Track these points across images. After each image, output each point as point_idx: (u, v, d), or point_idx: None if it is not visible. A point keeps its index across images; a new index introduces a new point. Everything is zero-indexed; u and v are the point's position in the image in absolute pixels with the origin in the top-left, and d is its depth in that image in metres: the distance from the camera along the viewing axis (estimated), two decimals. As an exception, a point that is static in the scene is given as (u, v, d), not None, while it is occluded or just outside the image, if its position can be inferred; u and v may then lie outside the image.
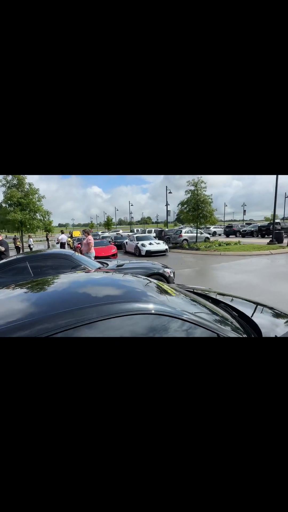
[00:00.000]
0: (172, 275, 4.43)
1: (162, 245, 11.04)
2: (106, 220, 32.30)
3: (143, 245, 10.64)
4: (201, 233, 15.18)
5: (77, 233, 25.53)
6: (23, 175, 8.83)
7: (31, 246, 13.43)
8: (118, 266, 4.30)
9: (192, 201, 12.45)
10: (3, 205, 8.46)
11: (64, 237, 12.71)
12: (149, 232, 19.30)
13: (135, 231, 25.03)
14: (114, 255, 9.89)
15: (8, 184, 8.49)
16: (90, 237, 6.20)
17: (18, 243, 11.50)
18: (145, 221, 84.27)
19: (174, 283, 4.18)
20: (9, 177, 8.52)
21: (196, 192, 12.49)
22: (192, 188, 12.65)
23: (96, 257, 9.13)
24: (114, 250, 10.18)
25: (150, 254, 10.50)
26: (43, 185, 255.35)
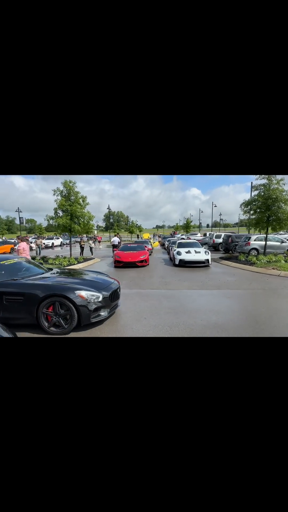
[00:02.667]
0: (92, 304, 3.14)
1: (202, 255, 8.98)
2: (185, 222, 31.01)
3: (178, 253, 9.14)
4: (281, 242, 11.02)
5: (146, 235, 26.86)
6: (73, 185, 10.12)
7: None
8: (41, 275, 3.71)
9: (260, 199, 9.21)
10: (58, 211, 10.02)
11: (116, 239, 13.56)
12: (218, 237, 16.48)
13: (207, 235, 22.33)
14: (141, 262, 9.17)
15: (61, 194, 9.97)
16: (22, 243, 6.50)
17: (83, 243, 13.44)
18: (226, 224, 72.67)
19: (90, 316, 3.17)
20: (62, 188, 9.95)
21: (268, 186, 9.14)
22: (264, 181, 9.35)
23: (120, 262, 8.91)
24: (143, 256, 9.40)
25: (184, 263, 8.85)
26: (147, 191, 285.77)
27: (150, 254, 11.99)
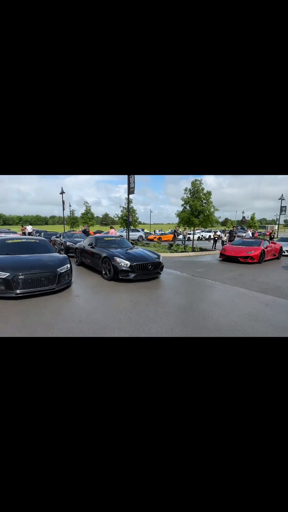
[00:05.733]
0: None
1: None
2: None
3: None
4: None
5: None
6: (199, 183, 11.41)
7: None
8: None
9: None
10: (185, 206, 12.08)
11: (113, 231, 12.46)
12: None
13: None
14: (245, 258, 8.32)
15: (190, 192, 11.82)
16: (112, 230, 7.63)
17: (216, 236, 14.38)
18: None
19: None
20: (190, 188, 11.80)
21: None
22: None
23: (223, 255, 8.91)
24: (252, 251, 8.37)
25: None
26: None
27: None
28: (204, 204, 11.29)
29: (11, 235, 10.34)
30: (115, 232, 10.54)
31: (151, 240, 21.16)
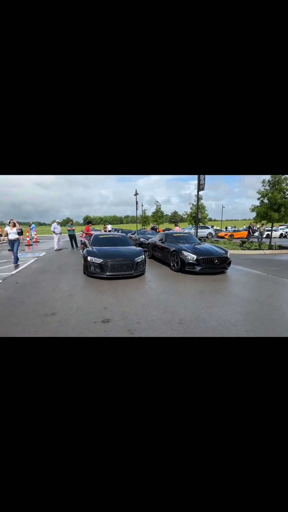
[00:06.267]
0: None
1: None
2: None
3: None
4: None
5: None
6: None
7: None
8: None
9: None
10: (263, 200, 10.99)
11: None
12: None
13: None
14: None
15: (272, 187, 10.60)
16: (177, 227, 7.66)
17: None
18: None
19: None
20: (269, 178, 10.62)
21: None
22: None
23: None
24: None
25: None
26: None
27: None
28: (287, 196, 9.99)
29: (100, 232, 12.80)
30: (180, 229, 11.77)
31: (221, 237, 20.18)
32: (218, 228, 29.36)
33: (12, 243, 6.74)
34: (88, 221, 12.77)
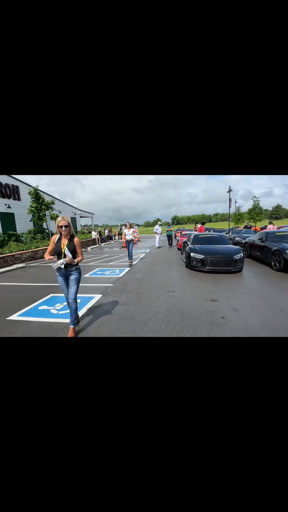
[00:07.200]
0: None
1: None
2: None
3: None
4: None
5: None
6: None
7: None
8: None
9: None
10: None
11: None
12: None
13: None
14: None
15: None
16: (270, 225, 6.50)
17: None
18: None
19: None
20: None
21: None
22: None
23: None
24: None
25: None
26: None
27: None
28: None
29: (194, 232, 13.83)
30: (274, 227, 11.50)
31: None
32: None
33: (128, 243, 8.20)
34: (202, 222, 14.30)
